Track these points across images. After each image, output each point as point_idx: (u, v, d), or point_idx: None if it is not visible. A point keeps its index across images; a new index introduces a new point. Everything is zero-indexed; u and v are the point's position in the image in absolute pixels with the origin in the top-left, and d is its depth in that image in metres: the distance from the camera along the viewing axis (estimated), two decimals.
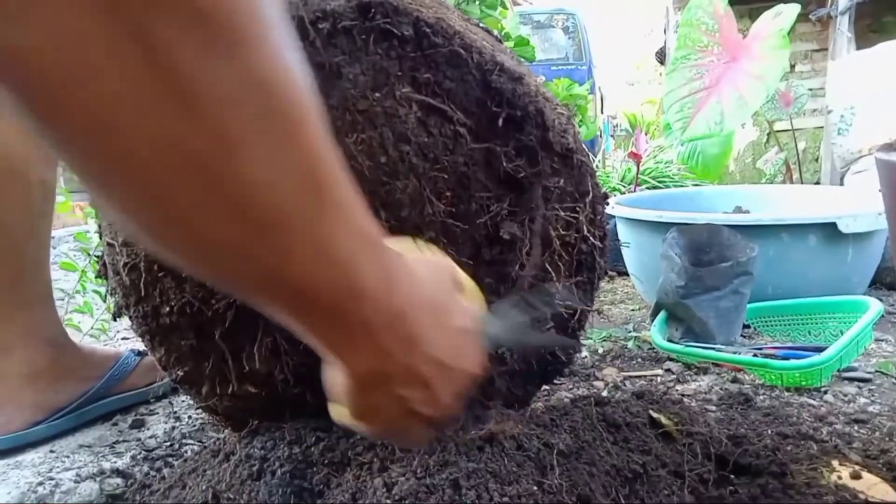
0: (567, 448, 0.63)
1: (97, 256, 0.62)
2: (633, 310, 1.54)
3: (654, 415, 0.73)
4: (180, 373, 0.63)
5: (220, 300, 0.59)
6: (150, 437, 0.87)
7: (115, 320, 0.69)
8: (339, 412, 0.51)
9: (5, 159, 0.78)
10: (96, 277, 0.61)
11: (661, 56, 4.65)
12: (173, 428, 0.90)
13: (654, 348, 1.17)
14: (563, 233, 0.67)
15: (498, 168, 0.63)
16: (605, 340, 1.26)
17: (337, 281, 0.37)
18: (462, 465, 0.58)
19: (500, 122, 0.60)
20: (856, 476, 0.70)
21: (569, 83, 1.28)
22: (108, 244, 0.58)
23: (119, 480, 0.75)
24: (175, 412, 0.97)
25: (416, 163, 0.60)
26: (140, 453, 0.82)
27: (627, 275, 1.77)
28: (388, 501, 0.55)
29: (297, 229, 0.33)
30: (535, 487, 0.57)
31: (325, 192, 0.34)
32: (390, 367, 0.44)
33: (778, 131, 2.60)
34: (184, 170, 0.28)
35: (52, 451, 0.85)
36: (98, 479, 0.75)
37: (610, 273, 1.87)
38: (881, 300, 1.19)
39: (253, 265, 0.34)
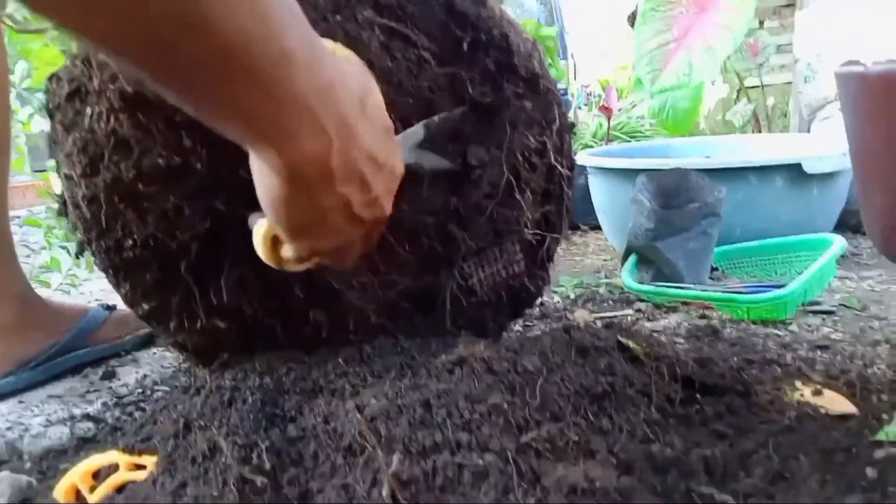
0: (536, 369, 0.63)
1: (58, 195, 0.61)
2: (604, 260, 1.56)
3: (623, 340, 0.74)
4: (146, 307, 0.62)
5: (185, 232, 0.58)
6: (122, 386, 0.87)
7: (77, 258, 0.68)
8: (265, 242, 0.49)
9: None
10: (58, 216, 0.60)
11: (633, 20, 4.64)
12: (144, 376, 0.90)
13: (625, 292, 1.18)
14: (531, 160, 0.67)
15: (463, 93, 0.62)
16: (576, 287, 1.28)
17: (267, 38, 0.35)
18: (433, 387, 0.59)
19: (465, 46, 0.60)
20: (817, 393, 0.72)
21: (536, 24, 1.28)
22: (67, 176, 0.57)
23: (90, 424, 0.74)
24: (147, 363, 0.97)
25: (380, 87, 0.59)
26: (111, 400, 0.82)
27: (600, 229, 1.79)
28: (359, 421, 0.56)
29: None
30: (506, 405, 0.58)
31: None
32: (330, 155, 0.41)
33: (748, 88, 2.62)
34: None
35: (20, 402, 0.84)
36: (68, 423, 0.75)
37: (582, 227, 1.88)
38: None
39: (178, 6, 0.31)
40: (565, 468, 0.54)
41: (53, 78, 0.56)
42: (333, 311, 0.66)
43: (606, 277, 1.35)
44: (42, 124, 1.09)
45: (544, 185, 0.70)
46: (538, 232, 0.70)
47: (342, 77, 0.43)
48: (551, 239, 0.73)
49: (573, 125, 0.72)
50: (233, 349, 0.66)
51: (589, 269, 1.47)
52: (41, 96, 1.04)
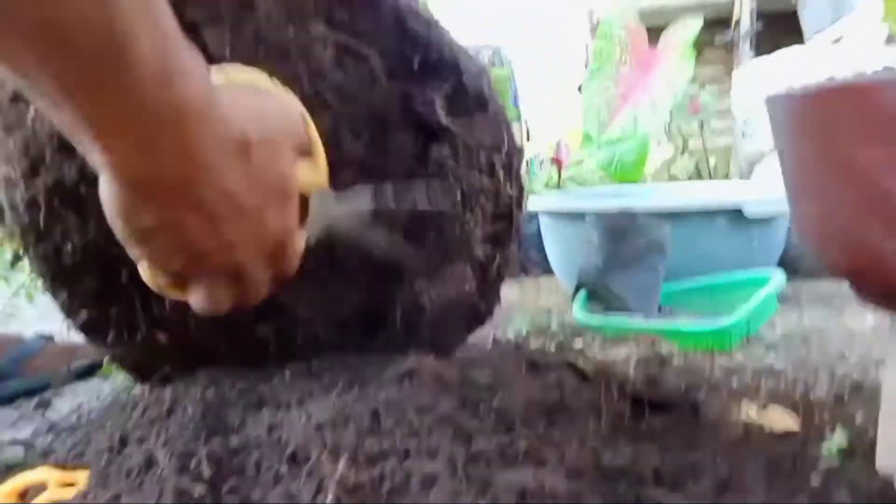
0: (486, 382, 0.63)
1: None
2: (556, 301, 1.58)
3: (571, 360, 0.75)
4: (84, 317, 0.60)
5: None
6: (55, 413, 0.83)
7: (12, 266, 0.65)
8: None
9: None
10: None
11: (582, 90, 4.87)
12: (80, 405, 0.85)
13: (575, 327, 1.20)
14: (480, 180, 0.69)
15: (413, 110, 0.64)
16: (528, 323, 1.28)
17: (103, 21, 0.32)
18: (381, 397, 0.58)
19: (415, 64, 0.61)
20: (762, 410, 0.74)
21: (488, 66, 1.33)
22: (6, 179, 0.55)
23: (19, 448, 0.70)
24: (85, 392, 0.92)
25: (332, 100, 0.60)
26: (44, 427, 0.78)
27: (552, 274, 1.81)
28: (305, 430, 0.54)
29: None
30: (455, 414, 0.58)
31: None
32: (160, 175, 0.38)
33: (691, 150, 2.75)
34: None
35: None
36: None
37: (534, 272, 1.91)
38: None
39: None
40: (515, 473, 0.53)
41: None
42: (281, 327, 0.65)
43: (558, 315, 1.36)
44: None
45: (494, 205, 0.71)
46: (488, 248, 0.70)
47: (210, 111, 0.40)
48: (501, 259, 0.74)
49: (522, 150, 0.74)
50: (174, 364, 0.64)
51: (541, 309, 1.48)
52: None
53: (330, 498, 0.48)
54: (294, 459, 0.53)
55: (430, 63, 0.62)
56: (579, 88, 2.71)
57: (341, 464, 0.50)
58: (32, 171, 0.53)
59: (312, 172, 0.52)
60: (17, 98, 0.52)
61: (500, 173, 0.69)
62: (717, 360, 0.98)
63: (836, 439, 0.65)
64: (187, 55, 0.38)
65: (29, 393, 0.93)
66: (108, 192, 0.41)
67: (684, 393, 0.75)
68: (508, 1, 3.45)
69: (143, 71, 0.34)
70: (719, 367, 0.94)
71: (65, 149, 0.52)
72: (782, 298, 1.39)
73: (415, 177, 0.64)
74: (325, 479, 0.50)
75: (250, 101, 0.46)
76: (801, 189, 0.55)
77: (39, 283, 0.59)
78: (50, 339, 0.98)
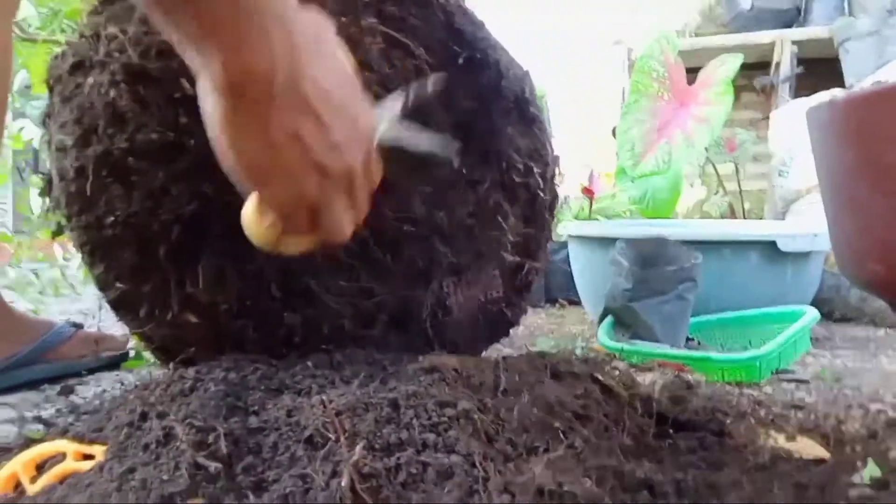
0: (509, 384, 0.63)
1: (42, 174, 0.61)
2: (582, 329, 1.56)
3: (596, 374, 0.73)
4: (118, 291, 0.61)
5: (169, 213, 0.58)
6: (79, 398, 0.84)
7: (53, 238, 0.67)
8: (253, 213, 0.47)
9: None
10: (39, 195, 0.60)
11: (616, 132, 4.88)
12: (104, 391, 0.86)
13: (600, 354, 1.18)
14: (515, 182, 0.69)
15: (455, 107, 0.65)
16: (553, 348, 1.27)
17: None
18: (402, 389, 0.58)
19: (460, 61, 0.62)
20: (790, 438, 0.72)
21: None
22: (58, 147, 0.57)
23: (40, 426, 0.71)
24: (108, 381, 0.93)
25: (378, 91, 0.61)
26: (66, 408, 0.78)
27: (578, 304, 1.80)
28: (324, 415, 0.54)
29: None
30: (476, 412, 0.57)
31: None
32: (274, 74, 0.40)
33: (727, 192, 2.73)
34: None
35: None
36: (17, 423, 0.71)
37: (561, 301, 1.89)
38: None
39: None
40: (533, 473, 0.52)
41: (57, 55, 0.58)
42: (308, 316, 0.66)
43: (583, 342, 1.34)
44: (33, 133, 1.10)
45: (527, 210, 0.71)
46: (519, 254, 0.70)
47: (297, 8, 0.42)
48: (530, 267, 0.74)
49: (557, 157, 0.74)
50: (200, 348, 0.65)
51: (566, 336, 1.46)
52: (37, 104, 1.07)
53: (344, 481, 0.48)
54: (311, 442, 0.52)
55: (474, 61, 0.63)
56: (613, 131, 2.71)
57: (358, 449, 0.50)
58: (84, 140, 0.54)
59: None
60: (76, 69, 0.54)
61: (535, 178, 0.70)
62: (744, 391, 0.95)
63: (869, 469, 0.63)
64: None
65: (54, 379, 0.94)
66: (221, 113, 0.41)
67: (710, 416, 0.73)
68: (544, 38, 3.49)
69: None
70: (747, 398, 0.92)
71: (118, 121, 0.53)
72: (815, 340, 1.36)
73: (455, 176, 0.64)
74: (341, 462, 0.49)
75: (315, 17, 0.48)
76: (840, 203, 0.54)
77: (79, 254, 0.60)
78: (80, 326, 0.99)
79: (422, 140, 0.51)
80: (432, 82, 0.52)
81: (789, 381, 1.04)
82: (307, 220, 0.48)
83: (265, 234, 0.49)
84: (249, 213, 0.49)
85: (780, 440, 0.73)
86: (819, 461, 0.67)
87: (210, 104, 0.42)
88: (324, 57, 0.45)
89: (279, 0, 0.39)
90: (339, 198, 0.48)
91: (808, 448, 0.70)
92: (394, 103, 0.52)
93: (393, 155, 0.51)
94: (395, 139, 0.50)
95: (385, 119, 0.51)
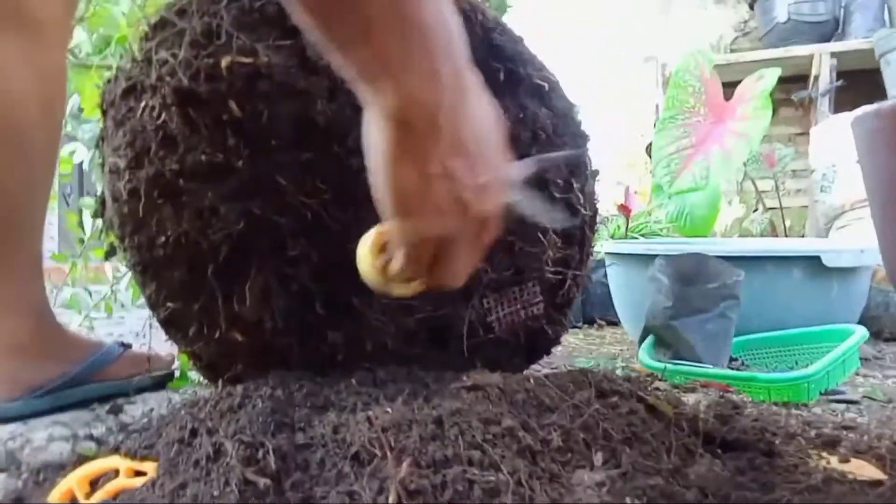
0: (553, 402, 0.62)
1: (97, 196, 0.63)
2: (621, 349, 1.54)
3: (641, 394, 0.72)
4: (169, 309, 0.62)
5: (217, 232, 0.60)
6: (128, 417, 0.85)
7: (106, 259, 0.69)
8: (373, 250, 0.49)
9: (13, 122, 0.80)
10: (92, 216, 0.62)
11: (650, 150, 4.84)
12: (151, 410, 0.88)
13: (642, 375, 1.16)
14: (556, 196, 0.69)
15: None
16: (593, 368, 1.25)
17: None
18: (446, 406, 0.58)
19: (501, 76, 0.63)
20: (844, 460, 0.69)
21: None
22: (111, 170, 0.59)
23: (92, 444, 0.73)
24: (156, 401, 0.95)
25: None
26: (116, 427, 0.80)
27: (617, 324, 1.78)
28: (370, 432, 0.54)
29: None
30: (521, 430, 0.57)
31: None
32: (440, 106, 0.42)
33: (767, 209, 2.69)
34: None
35: (24, 424, 0.82)
36: (70, 440, 0.73)
37: (599, 321, 1.87)
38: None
39: None
40: (580, 492, 0.52)
41: (110, 80, 0.60)
42: (351, 333, 0.66)
43: (623, 362, 1.33)
44: (83, 155, 1.14)
45: (568, 227, 0.71)
46: (559, 270, 0.70)
47: (463, 57, 0.45)
48: (571, 283, 0.73)
49: (597, 172, 0.74)
50: (247, 365, 0.66)
51: (605, 356, 1.45)
52: (88, 127, 1.10)
53: (392, 498, 0.48)
54: (357, 459, 0.53)
55: (514, 75, 0.64)
56: (647, 148, 2.69)
57: (404, 466, 0.50)
58: (137, 162, 0.56)
59: None
60: (128, 93, 0.57)
61: (576, 194, 0.70)
62: (792, 412, 0.93)
63: None
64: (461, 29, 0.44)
65: (103, 398, 0.96)
66: (387, 142, 0.44)
67: (759, 436, 0.71)
68: (576, 54, 3.49)
69: (444, 28, 0.41)
70: (795, 418, 0.89)
71: (169, 143, 0.55)
72: (864, 359, 1.32)
73: None
74: (388, 479, 0.49)
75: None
76: (890, 213, 0.53)
77: (131, 275, 0.62)
78: (128, 346, 1.02)
79: (537, 208, 0.54)
80: (565, 158, 0.54)
81: (839, 401, 1.01)
82: (429, 259, 0.50)
83: (377, 272, 0.50)
84: (366, 250, 0.50)
85: (833, 461, 0.70)
86: (876, 483, 0.65)
87: (376, 132, 0.45)
88: (479, 101, 0.47)
89: (448, 41, 0.42)
90: (468, 241, 0.49)
91: (862, 470, 0.68)
92: (517, 164, 0.54)
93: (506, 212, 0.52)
94: (517, 201, 0.52)
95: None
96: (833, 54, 2.74)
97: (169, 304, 0.62)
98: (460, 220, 0.48)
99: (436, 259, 0.50)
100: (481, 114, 0.47)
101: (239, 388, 0.61)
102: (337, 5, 0.39)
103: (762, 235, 2.14)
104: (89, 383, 0.95)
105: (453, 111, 0.43)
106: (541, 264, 0.69)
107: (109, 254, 0.64)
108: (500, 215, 0.51)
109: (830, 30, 2.91)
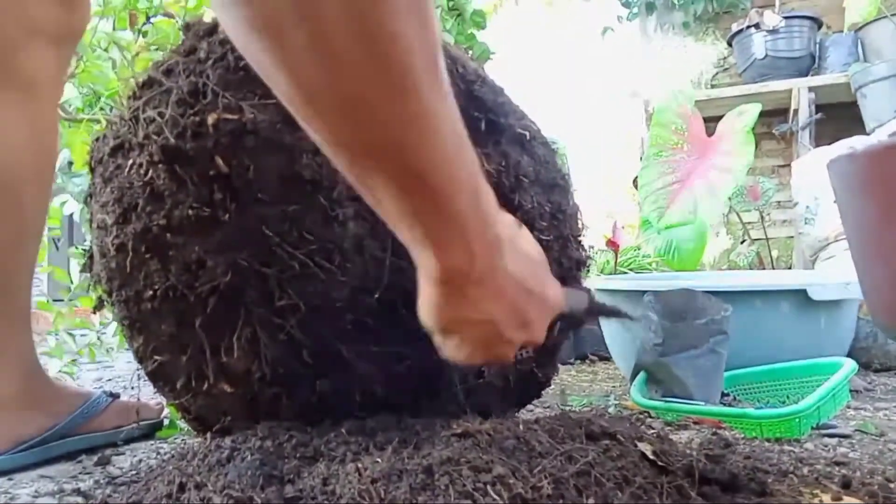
0: (543, 449, 0.62)
1: (85, 250, 0.64)
2: (613, 386, 1.54)
3: (633, 436, 0.72)
4: (157, 363, 0.62)
5: (205, 284, 0.60)
6: (116, 469, 0.84)
7: (94, 312, 0.69)
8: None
9: (8, 177, 0.81)
10: (80, 271, 0.62)
11: (638, 185, 4.90)
12: (140, 461, 0.87)
13: (634, 412, 1.16)
14: (542, 242, 0.70)
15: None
16: (584, 406, 1.25)
17: (443, 164, 0.44)
18: (435, 455, 0.57)
19: (482, 125, 0.64)
20: (836, 498, 0.69)
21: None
22: (99, 226, 0.60)
23: (79, 499, 0.72)
24: (144, 452, 0.94)
25: None
26: (104, 479, 0.79)
27: (609, 359, 1.78)
28: (360, 483, 0.54)
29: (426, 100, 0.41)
30: (511, 477, 0.56)
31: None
32: (473, 268, 0.49)
33: (754, 240, 2.72)
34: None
35: (9, 479, 0.81)
36: (57, 496, 0.72)
37: (591, 357, 1.87)
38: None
39: (384, 128, 0.41)
40: None
41: (99, 138, 0.61)
42: (340, 382, 0.66)
43: (615, 399, 1.32)
44: (74, 207, 1.14)
45: (557, 267, 0.72)
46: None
47: (494, 215, 0.52)
48: (561, 325, 0.74)
49: (582, 215, 0.75)
50: (236, 416, 0.66)
51: (598, 393, 1.44)
52: (77, 181, 1.11)
53: None
54: None
55: (495, 125, 0.65)
56: (634, 182, 2.71)
57: None
58: (124, 218, 0.57)
59: None
60: (116, 150, 0.57)
61: (563, 239, 0.70)
62: (785, 448, 0.93)
63: None
64: (483, 179, 0.50)
65: (91, 450, 0.95)
66: (432, 294, 0.52)
67: (751, 475, 0.71)
68: (562, 92, 3.56)
69: (465, 196, 0.47)
70: (788, 455, 0.89)
71: (156, 199, 0.56)
72: (855, 392, 1.32)
73: None
74: None
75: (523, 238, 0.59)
76: (868, 252, 0.54)
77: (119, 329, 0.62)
78: (116, 396, 1.01)
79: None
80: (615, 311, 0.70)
81: (831, 435, 1.01)
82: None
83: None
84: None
85: (826, 500, 0.70)
86: None
87: (423, 286, 0.53)
88: (518, 250, 0.55)
89: (481, 209, 0.49)
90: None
91: None
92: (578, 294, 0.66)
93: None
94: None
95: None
96: (811, 88, 2.81)
97: (156, 357, 0.62)
98: (504, 350, 0.58)
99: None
100: (521, 260, 0.55)
101: (227, 440, 0.61)
102: (400, 185, 0.45)
103: (750, 267, 2.16)
104: (76, 435, 0.94)
105: (487, 268, 0.51)
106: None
107: (98, 307, 0.64)
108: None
109: (807, 65, 2.98)
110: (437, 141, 0.43)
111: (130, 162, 0.56)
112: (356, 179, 0.45)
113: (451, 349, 0.57)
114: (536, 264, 0.58)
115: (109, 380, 1.46)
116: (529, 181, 0.66)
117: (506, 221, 0.55)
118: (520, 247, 0.56)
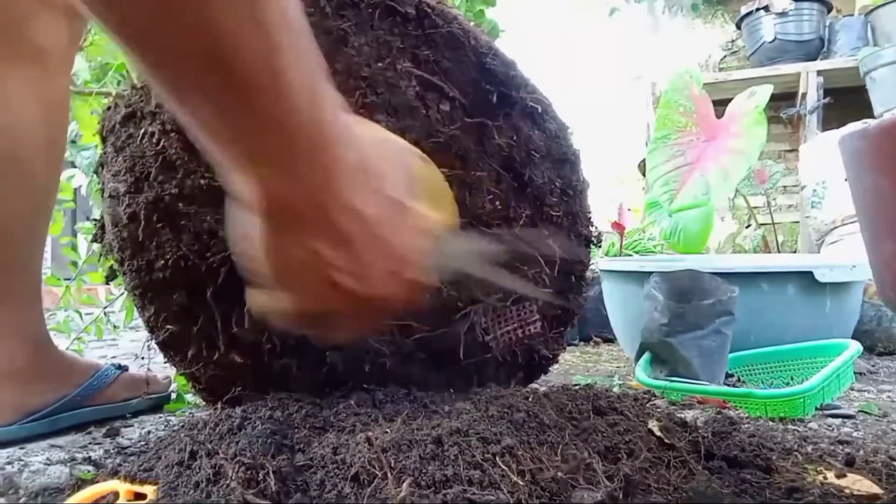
0: (552, 420, 0.62)
1: (96, 220, 0.64)
2: (618, 366, 1.54)
3: (639, 412, 0.72)
4: (168, 332, 0.63)
5: (216, 254, 0.60)
6: (125, 440, 0.85)
7: (107, 283, 0.69)
8: (255, 292, 0.48)
9: (19, 150, 0.81)
10: (91, 241, 0.62)
11: (644, 167, 4.88)
12: (149, 432, 0.88)
13: (638, 392, 1.16)
14: (552, 219, 0.70)
15: (490, 144, 0.66)
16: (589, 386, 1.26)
17: (259, 53, 0.35)
18: (445, 426, 0.58)
19: (493, 98, 0.64)
20: (840, 475, 0.70)
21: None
22: (111, 195, 0.60)
23: (90, 467, 0.72)
24: (153, 423, 0.95)
25: (419, 136, 0.63)
26: (114, 449, 0.80)
27: (613, 341, 1.78)
28: (370, 453, 0.54)
29: None
30: (520, 449, 0.57)
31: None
32: (300, 200, 0.40)
33: (760, 225, 2.71)
34: None
35: (21, 448, 0.82)
36: (69, 464, 0.73)
37: (595, 339, 1.88)
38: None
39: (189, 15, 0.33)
40: None
41: (110, 107, 0.61)
42: (350, 354, 0.67)
43: (620, 380, 1.33)
44: (81, 181, 1.14)
45: (564, 244, 0.72)
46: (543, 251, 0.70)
47: (346, 136, 0.42)
48: (571, 302, 0.74)
49: (588, 184, 0.75)
50: (246, 386, 0.66)
51: (602, 373, 1.45)
52: (86, 154, 1.11)
53: None
54: (357, 480, 0.53)
55: (506, 98, 0.65)
56: (639, 166, 2.70)
57: (404, 487, 0.50)
58: (136, 187, 0.57)
59: (440, 213, 0.52)
60: (128, 119, 0.57)
61: (573, 215, 0.70)
62: (789, 427, 0.93)
63: None
64: (327, 86, 0.41)
65: (99, 421, 0.96)
66: (253, 227, 0.43)
67: (756, 452, 0.71)
68: (566, 73, 3.53)
69: (294, 100, 0.37)
70: (792, 434, 0.90)
71: (168, 168, 0.56)
72: (859, 374, 1.32)
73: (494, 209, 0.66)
74: (388, 500, 0.50)
75: (377, 135, 0.49)
76: (878, 229, 0.54)
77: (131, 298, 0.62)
78: (124, 368, 1.02)
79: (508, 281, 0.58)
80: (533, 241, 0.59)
81: (834, 416, 1.01)
82: (310, 323, 0.50)
83: (267, 309, 0.50)
84: (255, 294, 0.50)
85: (830, 477, 0.71)
86: (872, 497, 0.65)
87: (233, 216, 0.45)
88: (368, 187, 0.44)
89: (319, 122, 0.40)
90: (350, 317, 0.49)
91: (859, 484, 0.68)
92: (477, 240, 0.56)
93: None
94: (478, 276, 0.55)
95: (460, 249, 0.53)
96: (819, 72, 2.79)
97: (168, 327, 0.63)
98: (337, 301, 0.47)
99: (317, 321, 0.50)
100: (371, 199, 0.44)
101: (238, 409, 0.62)
102: (183, 76, 0.36)
103: (755, 251, 2.16)
104: (86, 407, 0.95)
105: (320, 203, 0.42)
106: (538, 283, 0.70)
107: (110, 277, 0.64)
108: (413, 291, 0.50)
109: (816, 49, 2.95)
110: (250, 19, 0.34)
111: (143, 131, 0.56)
112: (171, 92, 0.37)
113: (282, 307, 0.47)
114: (395, 207, 0.46)
115: (114, 357, 1.47)
116: (540, 156, 0.66)
117: (364, 143, 0.44)
118: (383, 183, 0.45)
